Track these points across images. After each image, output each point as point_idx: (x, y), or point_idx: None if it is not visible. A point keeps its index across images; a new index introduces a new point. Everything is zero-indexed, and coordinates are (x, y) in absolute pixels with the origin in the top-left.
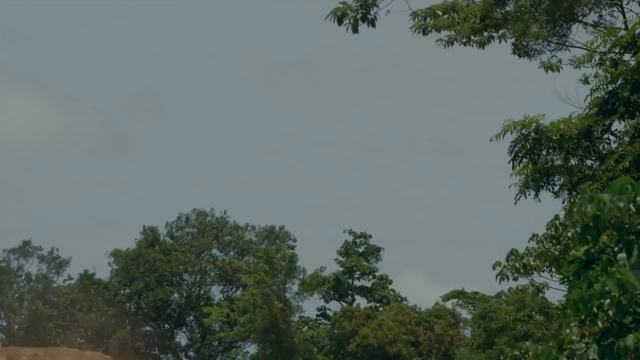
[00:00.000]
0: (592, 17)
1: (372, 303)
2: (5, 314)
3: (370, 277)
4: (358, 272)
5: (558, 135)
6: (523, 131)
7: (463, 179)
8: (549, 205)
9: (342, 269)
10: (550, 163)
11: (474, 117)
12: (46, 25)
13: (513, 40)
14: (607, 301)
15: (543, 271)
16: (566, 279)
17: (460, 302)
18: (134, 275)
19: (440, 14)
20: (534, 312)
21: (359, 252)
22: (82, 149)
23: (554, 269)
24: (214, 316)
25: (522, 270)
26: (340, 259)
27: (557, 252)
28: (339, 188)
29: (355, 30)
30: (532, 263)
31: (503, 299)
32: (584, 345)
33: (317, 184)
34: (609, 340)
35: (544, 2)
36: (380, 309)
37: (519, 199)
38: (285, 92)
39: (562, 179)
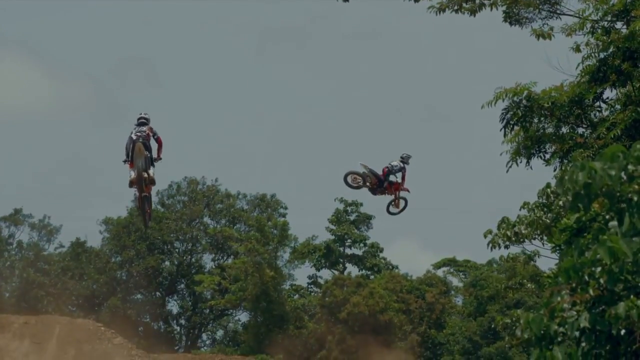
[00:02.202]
0: None
1: (363, 271)
2: None
3: (362, 245)
4: (349, 240)
5: (549, 103)
6: (515, 99)
7: (454, 146)
8: (541, 173)
9: (333, 237)
10: (541, 131)
11: (465, 85)
12: None
13: (504, 7)
14: (599, 269)
15: (534, 239)
16: (557, 247)
17: (452, 270)
18: (125, 243)
19: None
20: (525, 280)
21: (350, 220)
22: (74, 116)
23: (545, 237)
24: (205, 284)
25: (513, 239)
26: (332, 227)
27: (548, 220)
28: (330, 156)
29: None
30: (523, 231)
31: (494, 267)
32: (575, 313)
33: (308, 152)
34: (600, 308)
35: None
36: (372, 277)
37: (510, 166)
38: (276, 59)
39: (553, 147)
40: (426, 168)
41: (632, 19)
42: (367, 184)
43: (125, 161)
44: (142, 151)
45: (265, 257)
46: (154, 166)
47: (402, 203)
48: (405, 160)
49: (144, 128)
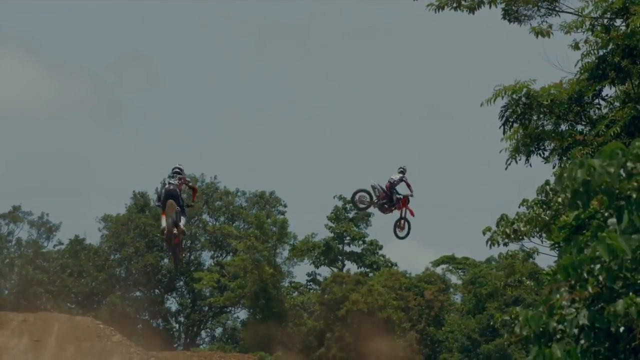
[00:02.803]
0: None
1: (362, 268)
2: None
3: (361, 242)
4: (348, 238)
5: (549, 100)
6: (514, 96)
7: (453, 144)
8: (540, 171)
9: (332, 234)
10: (541, 128)
11: (464, 83)
12: None
13: (503, 5)
14: (597, 266)
15: (533, 237)
16: (556, 245)
17: (450, 267)
18: (124, 241)
19: None
20: (524, 278)
21: (349, 218)
22: (73, 113)
23: (544, 235)
24: (205, 281)
25: (512, 236)
26: (330, 224)
27: (547, 218)
28: (329, 153)
29: None
30: (522, 228)
31: (493, 265)
32: (574, 310)
33: (307, 150)
34: (599, 306)
35: None
36: (371, 274)
37: (509, 164)
38: (275, 57)
39: (552, 144)
40: (425, 166)
41: (632, 16)
42: (375, 199)
43: (158, 206)
44: (173, 207)
45: (264, 254)
46: (185, 215)
47: (406, 226)
48: (403, 171)
49: (179, 177)
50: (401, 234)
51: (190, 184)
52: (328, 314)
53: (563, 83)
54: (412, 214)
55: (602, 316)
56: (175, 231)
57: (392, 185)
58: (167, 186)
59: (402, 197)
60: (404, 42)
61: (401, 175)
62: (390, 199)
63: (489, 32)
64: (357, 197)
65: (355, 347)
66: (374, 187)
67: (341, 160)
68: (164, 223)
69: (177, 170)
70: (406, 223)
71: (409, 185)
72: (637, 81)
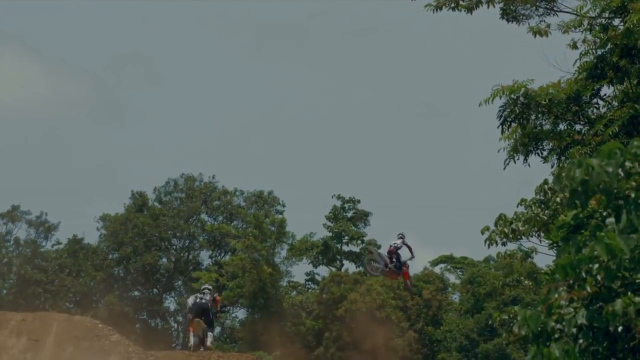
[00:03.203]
0: None
1: (361, 268)
2: None
3: (359, 242)
4: (346, 237)
5: (547, 100)
6: (512, 96)
7: (452, 143)
8: (538, 170)
9: (330, 233)
10: (539, 127)
11: (462, 82)
12: None
13: (501, 4)
14: (596, 266)
15: (532, 236)
16: (555, 244)
17: (449, 267)
18: (123, 240)
19: None
20: (522, 277)
21: (348, 217)
22: (72, 113)
23: (542, 234)
24: (203, 281)
25: (510, 235)
26: (329, 224)
27: (545, 217)
28: (328, 153)
29: None
30: (520, 228)
31: (491, 264)
32: (572, 309)
33: (305, 149)
34: (598, 305)
35: None
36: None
37: (508, 163)
38: (275, 56)
39: (551, 144)
40: (424, 165)
41: (629, 14)
42: (383, 264)
43: (188, 317)
44: (200, 325)
45: (262, 253)
46: (212, 331)
47: (409, 286)
48: (402, 236)
49: (209, 293)
50: (413, 290)
51: (215, 297)
52: (326, 313)
53: (561, 82)
54: (408, 280)
55: (600, 315)
56: (201, 348)
57: (396, 250)
58: (198, 301)
59: (403, 263)
60: (403, 41)
61: (402, 240)
62: (399, 260)
63: (487, 31)
64: (369, 266)
65: (353, 347)
66: (380, 255)
67: (340, 160)
68: (191, 340)
69: (207, 289)
70: (408, 283)
71: (410, 249)
72: (636, 81)
